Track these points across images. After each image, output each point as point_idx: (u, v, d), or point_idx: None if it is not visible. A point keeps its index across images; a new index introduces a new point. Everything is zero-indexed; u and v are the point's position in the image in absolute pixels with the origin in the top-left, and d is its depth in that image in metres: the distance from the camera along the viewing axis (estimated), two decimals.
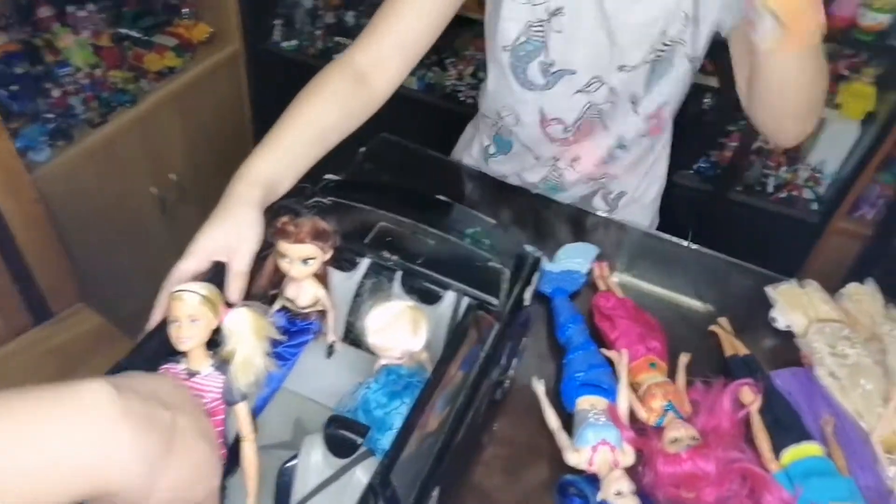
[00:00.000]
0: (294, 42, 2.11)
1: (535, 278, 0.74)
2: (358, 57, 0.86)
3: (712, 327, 0.91)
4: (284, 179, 0.75)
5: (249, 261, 0.67)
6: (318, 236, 0.64)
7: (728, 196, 1.54)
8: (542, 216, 1.09)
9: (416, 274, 0.69)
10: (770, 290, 0.94)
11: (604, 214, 1.10)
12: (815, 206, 1.72)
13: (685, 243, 1.06)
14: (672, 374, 0.82)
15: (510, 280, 0.70)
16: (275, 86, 2.11)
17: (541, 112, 1.02)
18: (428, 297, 0.68)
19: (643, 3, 0.89)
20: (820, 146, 1.72)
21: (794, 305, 0.91)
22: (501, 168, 1.16)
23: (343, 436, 0.55)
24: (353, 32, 2.09)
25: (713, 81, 1.26)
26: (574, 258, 0.96)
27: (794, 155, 1.78)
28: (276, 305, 0.69)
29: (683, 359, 0.84)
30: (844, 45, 1.54)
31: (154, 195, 1.84)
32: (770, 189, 1.73)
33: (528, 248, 0.74)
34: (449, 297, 0.68)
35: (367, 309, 0.62)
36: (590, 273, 0.96)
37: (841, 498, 0.70)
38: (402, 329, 0.60)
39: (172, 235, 1.91)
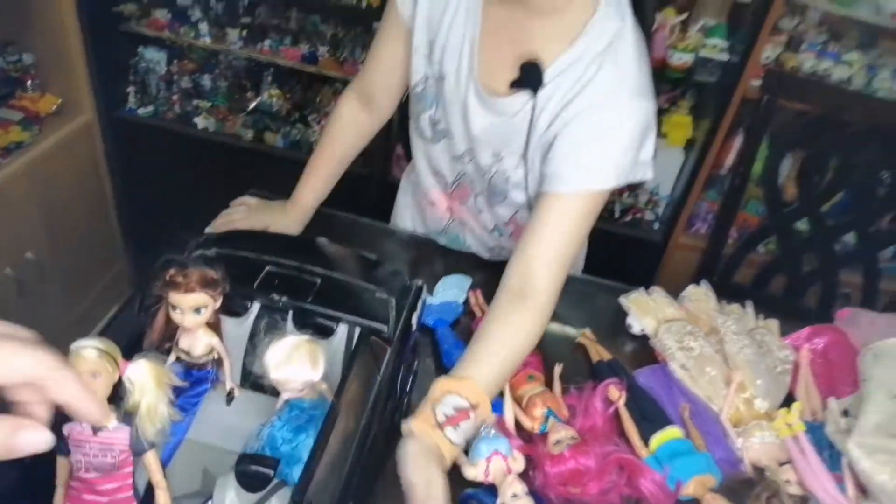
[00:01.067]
0: (150, 108, 2.09)
1: (419, 304, 0.81)
2: (364, 84, 1.08)
3: (579, 339, 1.01)
4: (320, 200, 1.12)
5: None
6: (207, 284, 0.66)
7: None
8: (419, 254, 1.16)
9: (307, 311, 0.73)
10: (623, 300, 1.06)
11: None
12: (656, 226, 1.94)
13: None
14: (550, 384, 0.91)
15: (396, 308, 0.76)
16: (134, 153, 2.08)
17: (428, 161, 1.09)
18: (322, 332, 0.72)
19: (487, 118, 0.93)
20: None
21: (644, 311, 1.04)
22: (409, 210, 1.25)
23: (255, 471, 0.58)
24: (210, 95, 2.11)
25: None
26: (451, 289, 1.03)
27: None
28: (171, 358, 0.70)
29: (557, 369, 0.93)
30: (660, 82, 1.78)
31: (9, 276, 1.73)
32: (617, 214, 1.93)
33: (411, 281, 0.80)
34: (342, 329, 0.72)
35: (264, 347, 0.65)
36: (466, 302, 1.03)
37: (702, 471, 0.81)
38: (300, 362, 0.63)
39: (31, 318, 1.79)
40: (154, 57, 2.08)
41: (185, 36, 1.98)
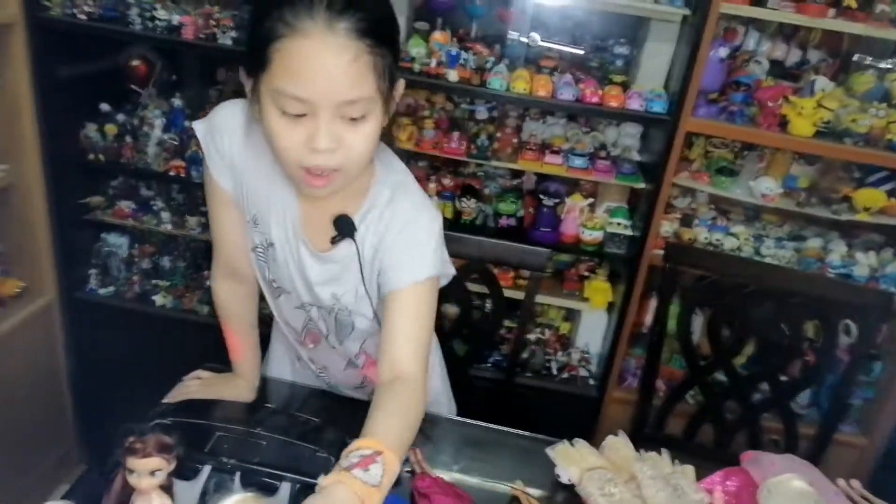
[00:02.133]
0: (111, 288, 2.19)
1: None
2: (222, 263, 1.18)
3: (511, 491, 1.09)
4: (258, 366, 1.25)
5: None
6: (162, 449, 0.75)
7: (516, 381, 1.81)
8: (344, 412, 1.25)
9: (254, 472, 0.81)
10: (549, 451, 1.15)
11: None
12: (591, 382, 2.06)
13: (484, 424, 1.27)
14: None
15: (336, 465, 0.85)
16: (93, 332, 2.15)
17: (278, 314, 1.21)
18: (267, 489, 0.80)
19: (322, 268, 1.07)
20: (582, 333, 2.12)
21: (569, 460, 1.13)
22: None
23: None
24: (169, 275, 2.23)
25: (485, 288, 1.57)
26: None
27: (565, 341, 2.16)
28: None
29: None
30: (576, 254, 2.01)
31: None
32: (554, 372, 2.05)
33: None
34: (285, 487, 0.80)
35: None
36: (408, 460, 1.11)
37: None
38: None
39: None
40: (117, 241, 2.22)
41: (147, 223, 2.14)
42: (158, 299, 2.17)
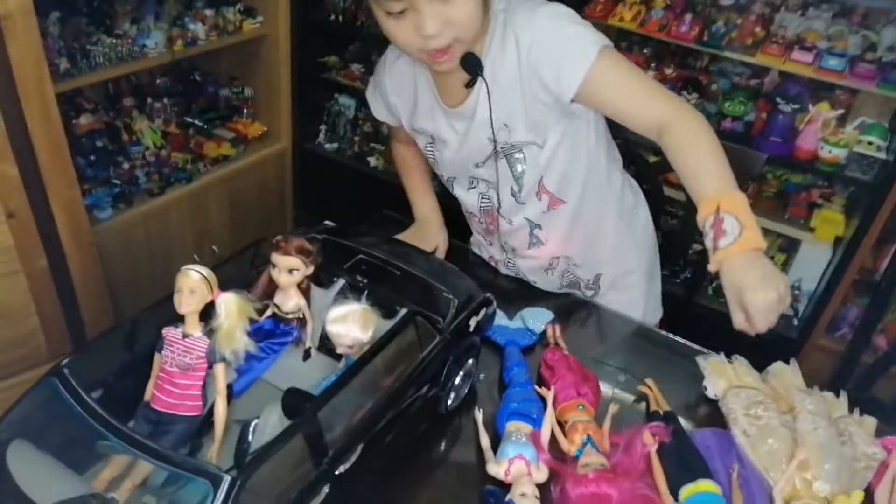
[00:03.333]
0: (335, 145, 2.40)
1: (482, 312, 0.90)
2: (397, 135, 1.30)
3: (640, 387, 1.02)
4: (437, 206, 1.31)
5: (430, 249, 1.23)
6: (302, 252, 0.81)
7: (702, 303, 1.66)
8: (510, 288, 1.25)
9: (380, 294, 0.85)
10: (700, 360, 1.06)
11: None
12: (795, 322, 1.83)
13: (638, 321, 1.20)
14: (602, 421, 0.93)
15: (457, 307, 0.86)
16: (315, 179, 2.40)
17: (464, 207, 1.25)
18: (388, 313, 0.84)
19: (473, 130, 1.08)
20: (797, 266, 1.86)
21: (720, 374, 1.02)
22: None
23: (296, 402, 0.70)
24: (385, 140, 2.38)
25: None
26: (530, 319, 1.10)
27: None
28: (268, 312, 0.85)
29: (613, 408, 0.96)
30: (808, 173, 1.72)
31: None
32: None
33: None
34: (403, 314, 0.83)
35: (332, 307, 0.78)
36: (543, 333, 1.09)
37: None
38: (353, 322, 0.76)
39: None
40: (346, 103, 2.41)
41: None
42: (372, 161, 2.33)
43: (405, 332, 0.78)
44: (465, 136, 1.10)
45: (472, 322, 0.88)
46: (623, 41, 1.91)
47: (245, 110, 2.28)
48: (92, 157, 1.86)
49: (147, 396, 0.73)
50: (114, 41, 1.70)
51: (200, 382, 0.72)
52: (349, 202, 2.26)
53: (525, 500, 0.77)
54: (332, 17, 2.17)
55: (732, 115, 1.74)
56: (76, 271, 1.52)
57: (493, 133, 1.05)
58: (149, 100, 2.07)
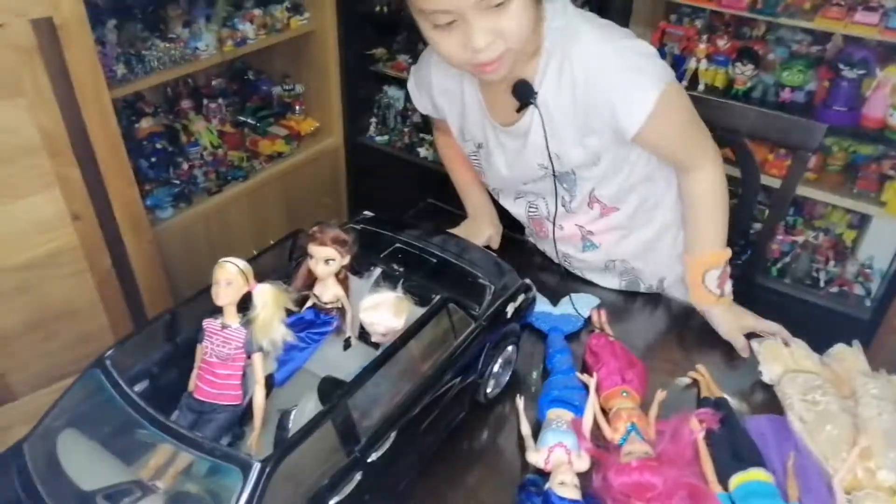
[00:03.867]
0: (386, 137, 2.42)
1: (520, 298, 0.89)
2: (440, 127, 1.28)
3: (691, 373, 0.99)
4: (490, 201, 1.29)
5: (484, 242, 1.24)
6: (337, 242, 0.82)
7: (766, 285, 1.59)
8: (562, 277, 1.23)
9: (415, 282, 0.85)
10: (755, 344, 1.01)
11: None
12: (867, 303, 1.73)
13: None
14: (648, 409, 0.91)
15: (493, 294, 0.85)
16: (367, 172, 2.42)
17: (513, 215, 1.24)
18: (423, 301, 0.84)
19: (525, 153, 1.06)
20: (867, 243, 1.75)
21: (775, 358, 0.98)
22: None
23: (332, 389, 0.71)
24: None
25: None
26: (576, 304, 1.08)
27: (841, 250, 1.81)
28: (309, 303, 0.87)
29: (660, 395, 0.93)
30: (879, 143, 1.62)
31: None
32: (821, 283, 1.76)
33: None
34: (435, 300, 0.83)
35: (366, 296, 0.79)
36: (588, 320, 1.07)
37: None
38: (386, 310, 0.76)
39: None
40: (395, 94, 2.42)
41: None
42: (422, 151, 2.34)
43: (438, 319, 0.77)
44: (515, 156, 1.08)
45: (510, 308, 0.87)
46: (672, 13, 1.84)
47: (297, 107, 2.33)
48: (153, 159, 1.94)
49: (190, 387, 0.75)
50: (167, 45, 1.76)
51: (240, 372, 0.73)
52: (402, 193, 2.27)
53: (564, 488, 0.75)
54: (378, 8, 2.18)
55: (791, 85, 1.65)
56: (139, 269, 1.59)
57: (548, 160, 1.03)
58: (205, 101, 2.14)
